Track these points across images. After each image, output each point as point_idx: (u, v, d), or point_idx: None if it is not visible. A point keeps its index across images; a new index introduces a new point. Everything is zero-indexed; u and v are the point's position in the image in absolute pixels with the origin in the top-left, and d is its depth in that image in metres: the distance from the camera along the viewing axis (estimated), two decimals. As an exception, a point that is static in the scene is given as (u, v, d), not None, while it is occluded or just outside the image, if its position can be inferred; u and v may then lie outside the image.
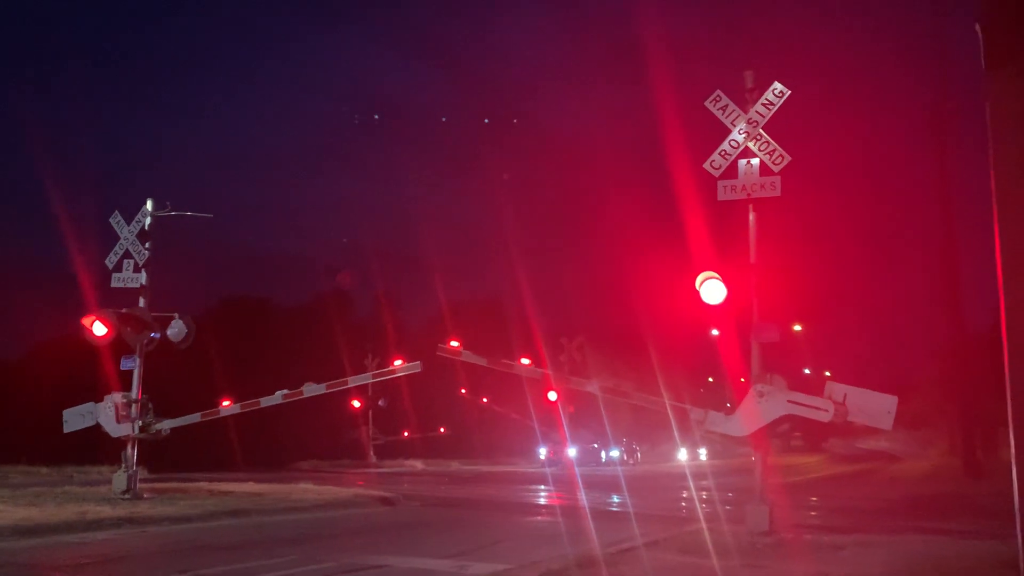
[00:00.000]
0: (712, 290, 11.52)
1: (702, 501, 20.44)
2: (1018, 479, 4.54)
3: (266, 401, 17.35)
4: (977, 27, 4.64)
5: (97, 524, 12.74)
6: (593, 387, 15.34)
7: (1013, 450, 4.54)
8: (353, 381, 20.44)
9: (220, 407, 17.85)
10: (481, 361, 15.72)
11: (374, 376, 22.55)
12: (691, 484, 27.43)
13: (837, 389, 11.53)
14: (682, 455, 49.99)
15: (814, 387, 12.05)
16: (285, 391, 17.33)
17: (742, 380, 12.35)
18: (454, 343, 19.92)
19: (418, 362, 17.43)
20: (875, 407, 11.50)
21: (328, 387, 17.91)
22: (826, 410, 11.46)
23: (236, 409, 17.69)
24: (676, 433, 37.36)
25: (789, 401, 11.79)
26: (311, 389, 17.45)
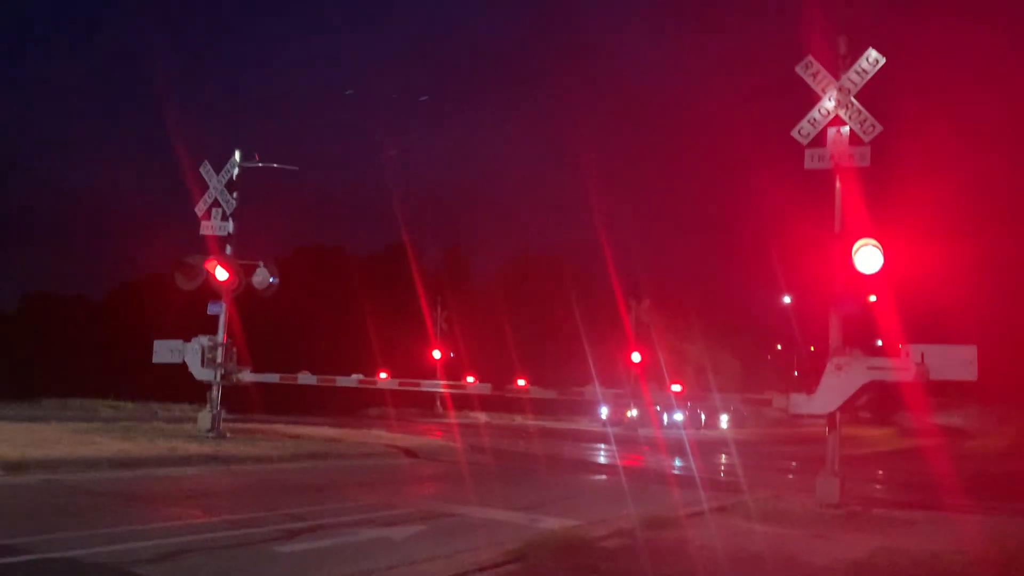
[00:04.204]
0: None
1: (765, 469, 20.43)
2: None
3: (342, 381, 18.09)
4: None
5: (186, 460, 13.41)
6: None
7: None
8: (426, 386, 20.79)
9: (298, 375, 18.20)
10: (550, 394, 16.42)
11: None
12: (735, 452, 27.24)
13: (914, 350, 11.39)
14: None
15: (891, 356, 11.90)
16: (360, 376, 18.45)
17: (812, 349, 12.33)
18: (521, 382, 20.64)
19: (488, 384, 17.84)
20: (954, 360, 11.33)
21: (401, 384, 19.82)
22: (907, 370, 11.33)
23: (312, 380, 17.97)
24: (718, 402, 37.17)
25: (869, 368, 11.69)
26: (386, 383, 20.07)
